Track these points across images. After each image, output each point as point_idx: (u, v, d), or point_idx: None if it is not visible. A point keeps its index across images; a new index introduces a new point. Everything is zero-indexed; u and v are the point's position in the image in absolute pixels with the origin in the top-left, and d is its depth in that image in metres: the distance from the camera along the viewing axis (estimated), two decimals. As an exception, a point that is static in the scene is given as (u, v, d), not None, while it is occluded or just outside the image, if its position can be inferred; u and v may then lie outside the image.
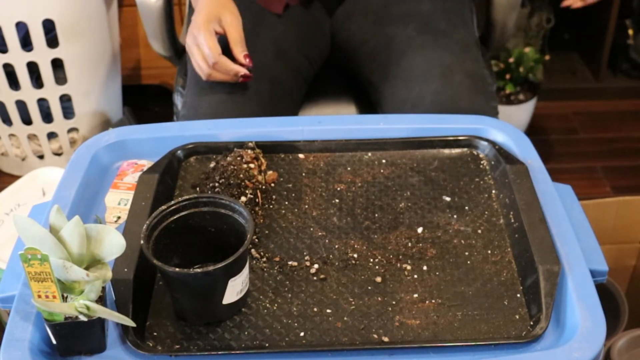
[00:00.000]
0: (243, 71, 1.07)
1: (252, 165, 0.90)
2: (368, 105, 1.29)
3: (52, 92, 1.80)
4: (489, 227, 0.87)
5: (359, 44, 1.25)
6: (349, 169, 0.95)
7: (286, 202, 0.90)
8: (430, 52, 1.16)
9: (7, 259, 0.83)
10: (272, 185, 0.92)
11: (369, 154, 0.97)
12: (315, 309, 0.77)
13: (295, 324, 0.75)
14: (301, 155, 0.97)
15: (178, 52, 1.38)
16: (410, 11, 1.23)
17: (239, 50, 1.09)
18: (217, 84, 1.11)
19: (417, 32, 1.19)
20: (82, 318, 0.68)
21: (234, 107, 1.10)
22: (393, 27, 1.22)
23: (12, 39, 1.68)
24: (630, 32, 2.33)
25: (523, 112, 2.07)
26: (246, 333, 0.75)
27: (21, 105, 1.81)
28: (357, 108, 1.30)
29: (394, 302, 0.77)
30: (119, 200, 0.91)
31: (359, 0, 1.28)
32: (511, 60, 2.02)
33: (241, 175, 0.88)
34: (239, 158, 0.90)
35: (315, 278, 0.80)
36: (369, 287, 0.79)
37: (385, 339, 0.74)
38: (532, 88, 2.07)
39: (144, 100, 2.15)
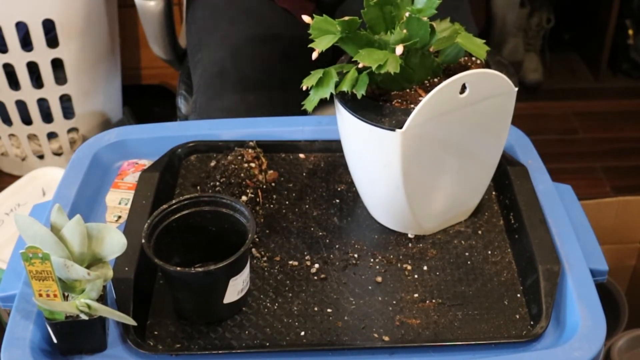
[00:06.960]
0: None
1: (252, 165, 0.90)
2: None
3: (52, 92, 1.79)
4: (489, 228, 0.87)
5: None
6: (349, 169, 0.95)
7: (287, 202, 0.90)
8: None
9: (7, 259, 0.83)
10: (273, 184, 0.93)
11: (370, 154, 0.97)
12: (315, 309, 0.77)
13: (296, 323, 0.75)
14: (302, 155, 0.97)
15: (179, 56, 1.37)
16: None
17: None
18: (228, 88, 1.10)
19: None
20: (83, 317, 0.68)
21: (247, 112, 1.09)
22: None
23: (12, 39, 1.68)
24: (630, 32, 2.33)
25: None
26: (247, 332, 0.75)
27: (21, 105, 1.81)
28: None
29: (394, 302, 0.78)
30: (119, 200, 0.91)
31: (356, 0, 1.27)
32: None
33: (242, 175, 0.88)
34: (239, 157, 0.90)
35: (315, 277, 0.80)
36: (370, 287, 0.79)
37: (386, 339, 0.74)
38: None
39: (144, 100, 2.15)
